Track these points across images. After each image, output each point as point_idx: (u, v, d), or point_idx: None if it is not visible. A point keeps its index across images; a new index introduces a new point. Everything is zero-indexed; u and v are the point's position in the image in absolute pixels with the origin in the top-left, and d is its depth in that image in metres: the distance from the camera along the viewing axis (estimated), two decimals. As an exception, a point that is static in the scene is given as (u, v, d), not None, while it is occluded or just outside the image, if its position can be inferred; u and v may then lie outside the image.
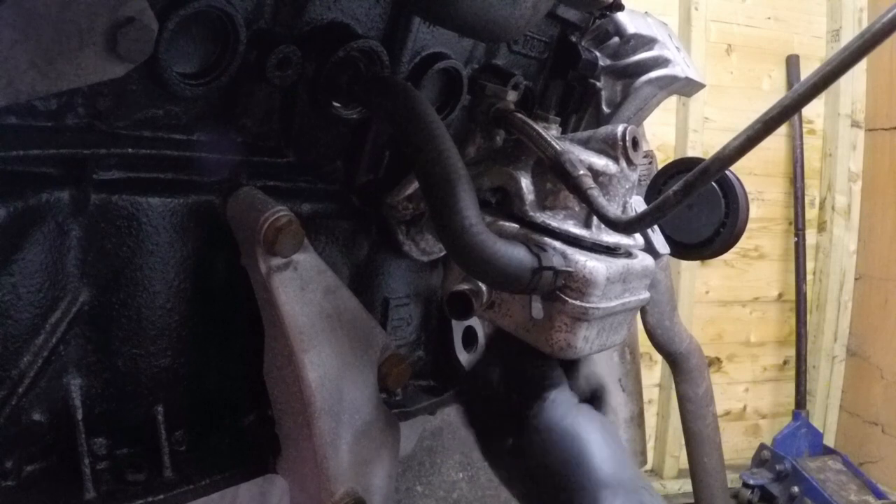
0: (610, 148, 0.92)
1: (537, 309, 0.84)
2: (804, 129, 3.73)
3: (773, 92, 3.64)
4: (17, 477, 0.81)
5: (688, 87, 1.46)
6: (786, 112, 0.65)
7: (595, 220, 0.88)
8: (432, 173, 0.80)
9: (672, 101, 3.41)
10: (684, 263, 3.42)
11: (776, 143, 3.70)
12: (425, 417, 1.28)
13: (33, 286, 0.78)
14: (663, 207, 0.74)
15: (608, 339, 0.91)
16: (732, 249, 1.27)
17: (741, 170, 1.07)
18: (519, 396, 0.90)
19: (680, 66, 1.38)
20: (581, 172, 0.85)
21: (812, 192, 3.83)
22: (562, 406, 0.87)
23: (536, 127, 0.92)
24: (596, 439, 0.84)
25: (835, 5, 3.74)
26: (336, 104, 0.94)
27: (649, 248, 1.16)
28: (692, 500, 2.35)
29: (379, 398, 0.97)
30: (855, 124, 3.77)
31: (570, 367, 0.95)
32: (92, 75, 0.65)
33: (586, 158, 0.89)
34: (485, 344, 1.02)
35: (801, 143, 3.69)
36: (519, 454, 0.88)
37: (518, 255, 0.80)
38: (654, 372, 3.61)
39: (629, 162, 0.92)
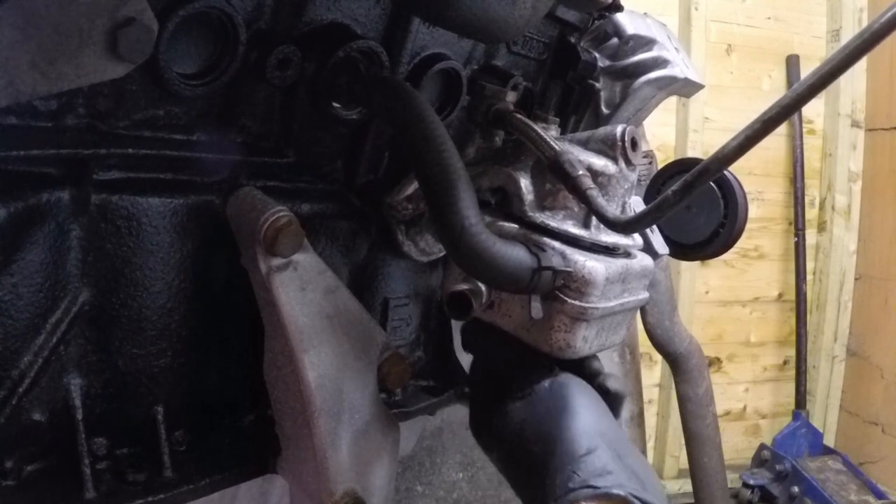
0: (609, 148, 0.92)
1: (536, 309, 0.84)
2: (804, 129, 3.73)
3: (773, 92, 3.64)
4: (17, 477, 0.81)
5: (687, 88, 1.46)
6: (785, 112, 0.65)
7: (594, 220, 0.89)
8: (432, 173, 0.80)
9: (672, 102, 3.41)
10: (684, 263, 3.42)
11: (776, 143, 3.70)
12: (425, 417, 1.28)
13: (33, 286, 0.78)
14: (662, 207, 0.74)
15: (607, 339, 0.91)
16: (732, 249, 1.27)
17: (741, 170, 1.07)
18: (500, 381, 0.90)
19: (679, 67, 1.38)
20: (580, 173, 0.85)
21: (812, 192, 3.83)
22: (543, 374, 0.86)
23: (536, 127, 0.92)
24: (581, 400, 0.82)
25: (835, 5, 3.73)
26: (336, 104, 0.95)
27: (648, 249, 1.16)
28: (692, 500, 2.35)
29: (379, 398, 0.97)
30: (855, 124, 3.77)
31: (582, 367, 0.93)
32: (92, 76, 0.65)
33: (585, 159, 0.90)
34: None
35: (801, 143, 3.69)
36: (501, 422, 0.86)
37: (517, 255, 0.80)
38: (654, 372, 3.61)
39: (628, 162, 0.92)
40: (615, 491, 0.71)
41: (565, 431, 0.78)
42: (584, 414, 0.80)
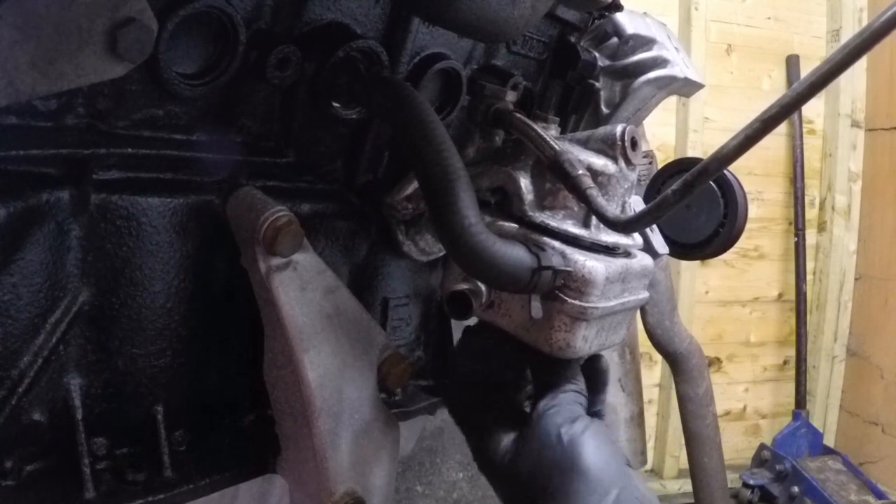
0: (609, 148, 0.92)
1: (536, 308, 0.84)
2: (804, 129, 3.74)
3: (773, 92, 3.64)
4: (17, 477, 0.81)
5: (687, 88, 1.46)
6: (785, 111, 0.65)
7: (594, 219, 0.88)
8: (432, 173, 0.80)
9: (672, 101, 3.42)
10: (684, 263, 3.42)
11: (776, 143, 3.70)
12: (425, 417, 1.28)
13: (33, 286, 0.78)
14: (662, 207, 0.74)
15: (607, 338, 0.91)
16: (732, 249, 1.27)
17: (741, 170, 1.07)
18: (517, 393, 0.89)
19: (679, 67, 1.38)
20: (580, 172, 0.85)
21: (812, 192, 3.83)
22: (564, 413, 0.84)
23: (535, 127, 0.92)
24: (595, 464, 0.78)
25: (835, 5, 3.74)
26: (336, 104, 0.95)
27: (648, 248, 1.16)
28: (692, 500, 2.35)
29: (379, 398, 0.97)
30: (855, 124, 3.78)
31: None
32: (92, 75, 0.65)
33: (585, 158, 0.89)
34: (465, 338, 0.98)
35: (801, 143, 3.69)
36: (512, 458, 0.85)
37: (517, 254, 0.80)
38: (654, 372, 3.62)
39: (628, 162, 0.92)
40: None
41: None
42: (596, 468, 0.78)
